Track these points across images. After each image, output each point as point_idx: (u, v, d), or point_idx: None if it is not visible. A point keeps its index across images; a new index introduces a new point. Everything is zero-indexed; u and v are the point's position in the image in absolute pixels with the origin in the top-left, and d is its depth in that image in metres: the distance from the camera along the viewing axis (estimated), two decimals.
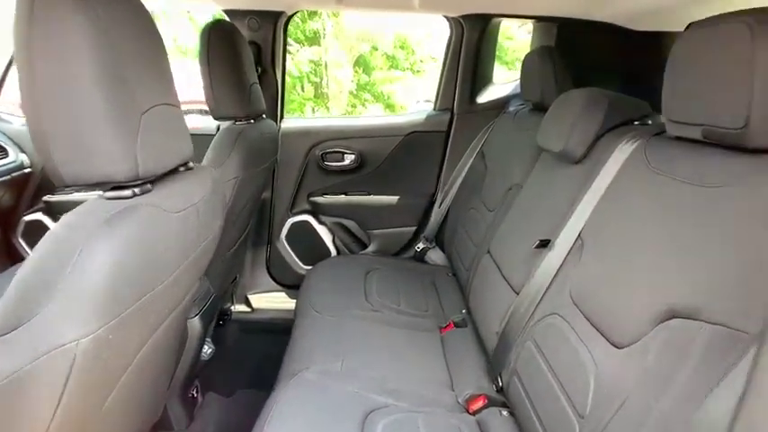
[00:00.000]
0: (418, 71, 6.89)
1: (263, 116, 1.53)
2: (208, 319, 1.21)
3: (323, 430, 0.94)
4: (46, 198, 1.81)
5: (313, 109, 6.48)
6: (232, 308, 1.96)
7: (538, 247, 1.08)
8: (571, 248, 0.99)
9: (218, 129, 1.74)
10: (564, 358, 0.87)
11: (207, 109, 1.31)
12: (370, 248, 2.03)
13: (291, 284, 2.00)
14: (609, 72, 1.72)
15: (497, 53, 2.10)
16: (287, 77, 1.96)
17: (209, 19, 1.44)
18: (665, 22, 1.60)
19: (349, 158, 1.92)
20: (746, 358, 0.55)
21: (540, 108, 1.51)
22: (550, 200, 1.19)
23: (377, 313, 1.44)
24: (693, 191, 0.75)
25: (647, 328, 0.71)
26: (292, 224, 1.99)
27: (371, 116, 6.50)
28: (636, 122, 1.12)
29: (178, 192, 0.74)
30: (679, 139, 0.85)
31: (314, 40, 6.33)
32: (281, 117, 1.89)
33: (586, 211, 0.98)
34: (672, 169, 0.82)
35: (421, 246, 1.98)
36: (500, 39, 2.09)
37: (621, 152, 0.97)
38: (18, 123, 1.88)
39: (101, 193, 0.64)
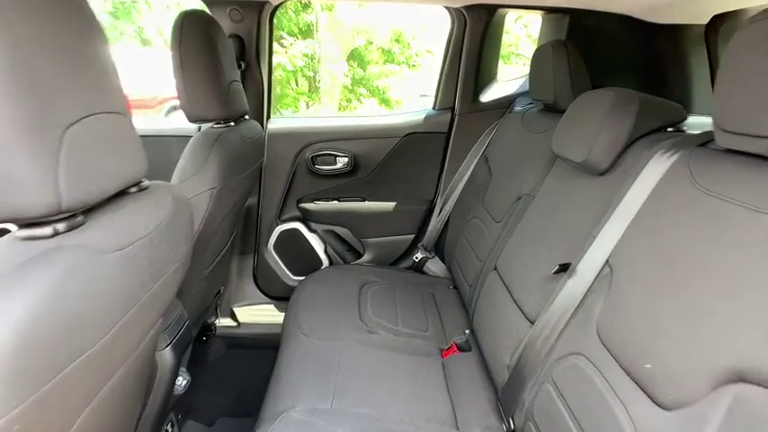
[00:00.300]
0: (414, 65, 6.76)
1: (246, 117, 1.38)
2: (181, 348, 1.07)
3: None
4: None
5: (307, 104, 6.32)
6: (216, 322, 1.82)
7: (557, 272, 0.94)
8: (597, 276, 0.85)
9: (200, 129, 1.59)
10: (592, 411, 0.74)
11: None
12: (365, 258, 1.90)
13: (280, 296, 1.86)
14: (624, 69, 1.59)
15: None
16: (281, 71, 1.81)
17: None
18: (686, 14, 1.47)
19: (342, 162, 1.77)
20: None
21: (553, 109, 1.37)
22: (569, 216, 1.05)
23: (372, 335, 1.31)
24: (752, 217, 0.62)
25: (705, 389, 0.58)
26: (281, 232, 1.85)
27: (366, 115, 6.34)
28: (669, 129, 0.98)
29: (122, 222, 0.59)
30: (730, 151, 0.71)
31: (307, 33, 6.16)
32: (268, 117, 1.74)
33: (615, 232, 0.84)
34: (724, 189, 0.68)
35: (419, 255, 1.85)
36: None
37: (657, 164, 0.83)
38: None
39: (14, 231, 0.50)
